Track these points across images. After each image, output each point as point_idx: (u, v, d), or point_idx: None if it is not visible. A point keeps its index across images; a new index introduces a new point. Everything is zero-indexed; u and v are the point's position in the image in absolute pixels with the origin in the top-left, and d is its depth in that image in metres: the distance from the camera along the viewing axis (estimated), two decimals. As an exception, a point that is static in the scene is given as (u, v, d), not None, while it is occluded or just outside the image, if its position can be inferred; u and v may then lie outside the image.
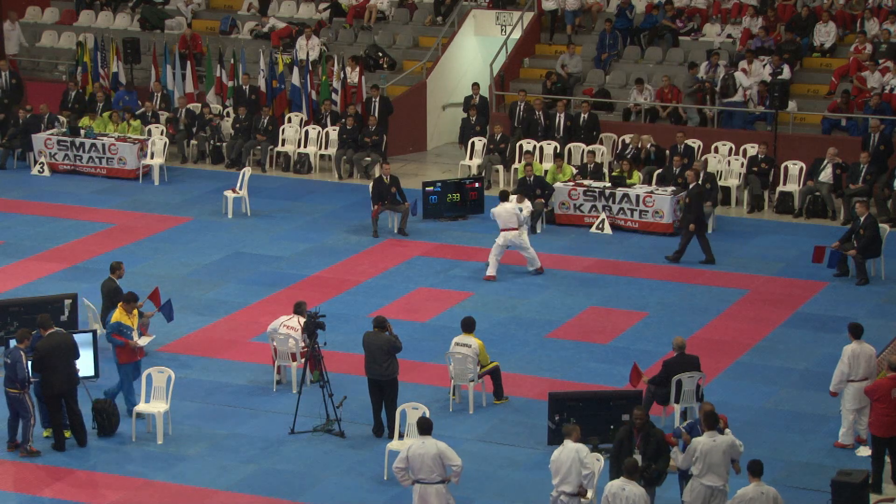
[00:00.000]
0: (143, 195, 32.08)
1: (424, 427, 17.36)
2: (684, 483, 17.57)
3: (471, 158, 33.42)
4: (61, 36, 39.94)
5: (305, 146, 34.29)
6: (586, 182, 29.86)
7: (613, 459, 17.38)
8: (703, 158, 31.25)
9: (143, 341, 21.22)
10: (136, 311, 21.11)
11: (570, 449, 16.94)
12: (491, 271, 26.54)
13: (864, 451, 19.36)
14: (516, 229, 26.46)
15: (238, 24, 39.18)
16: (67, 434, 19.99)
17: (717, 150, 31.88)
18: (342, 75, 34.73)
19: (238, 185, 30.70)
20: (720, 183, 30.65)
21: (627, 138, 32.08)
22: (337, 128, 33.90)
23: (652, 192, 29.27)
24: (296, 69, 34.95)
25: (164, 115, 35.20)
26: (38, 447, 19.81)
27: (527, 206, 27.44)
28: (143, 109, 35.02)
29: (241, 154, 33.98)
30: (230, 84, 35.68)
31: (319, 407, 20.41)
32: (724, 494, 17.06)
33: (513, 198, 27.40)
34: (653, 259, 27.74)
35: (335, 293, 25.90)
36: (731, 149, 31.94)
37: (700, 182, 28.04)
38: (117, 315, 20.81)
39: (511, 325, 24.41)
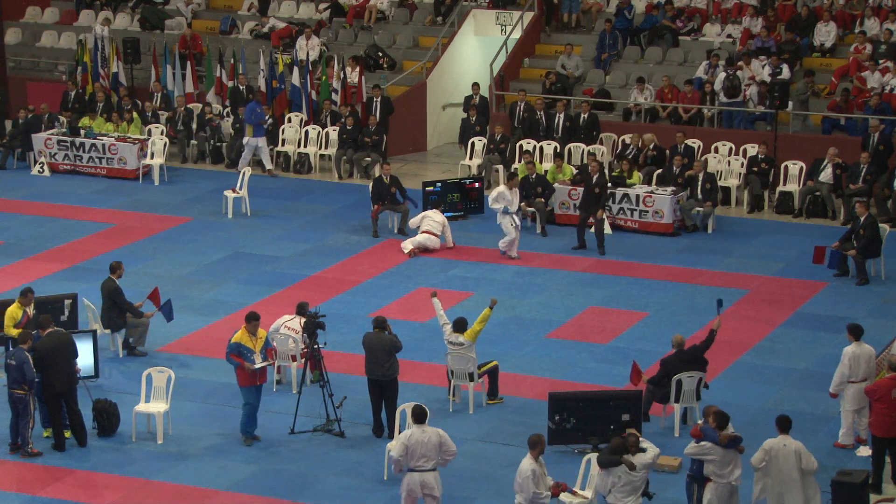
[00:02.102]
0: (143, 195, 32.08)
1: (421, 415, 17.50)
2: (694, 485, 17.50)
3: (471, 158, 33.43)
4: (61, 36, 39.95)
5: (305, 146, 34.29)
6: (586, 182, 29.90)
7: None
8: (703, 158, 31.27)
9: (262, 365, 19.91)
10: (261, 333, 20.01)
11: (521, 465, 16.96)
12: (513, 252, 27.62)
13: (864, 451, 19.35)
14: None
15: (238, 24, 39.20)
16: (67, 434, 19.99)
17: (717, 150, 31.89)
18: (342, 75, 34.74)
19: (238, 185, 30.70)
20: (720, 183, 30.67)
21: (627, 138, 32.09)
22: (337, 128, 33.91)
23: (652, 192, 29.28)
24: (296, 69, 34.95)
25: (164, 115, 35.24)
26: (39, 447, 19.81)
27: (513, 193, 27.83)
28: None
29: (241, 154, 33.96)
30: (230, 84, 35.70)
31: (319, 407, 20.41)
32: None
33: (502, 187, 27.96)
34: (653, 259, 27.75)
35: (335, 293, 25.90)
36: (731, 149, 31.95)
37: (603, 174, 28.73)
38: (238, 335, 19.81)
39: (511, 325, 24.41)
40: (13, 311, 20.91)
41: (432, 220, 28.24)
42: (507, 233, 27.56)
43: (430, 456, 17.27)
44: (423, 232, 28.18)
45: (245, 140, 33.20)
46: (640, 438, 17.14)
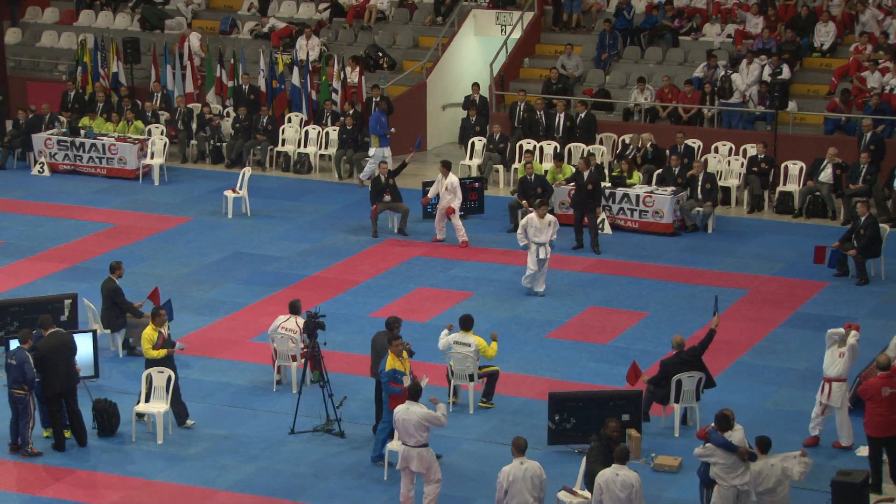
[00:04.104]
0: (143, 195, 32.10)
1: (415, 393, 17.98)
2: (703, 489, 17.51)
3: (471, 158, 33.43)
4: (61, 36, 39.96)
5: (305, 146, 34.30)
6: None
7: (587, 469, 17.30)
8: (703, 158, 31.29)
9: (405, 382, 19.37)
10: (405, 354, 19.30)
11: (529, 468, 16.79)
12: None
13: (864, 451, 19.34)
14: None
15: (238, 24, 39.21)
16: (67, 434, 20.00)
17: (717, 150, 31.90)
18: (342, 75, 34.75)
19: (238, 185, 30.71)
20: (720, 183, 30.68)
21: (627, 138, 32.10)
22: (337, 128, 33.91)
23: (652, 192, 29.29)
24: (296, 69, 34.97)
25: (164, 115, 35.24)
26: (39, 447, 19.82)
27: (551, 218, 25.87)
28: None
29: (241, 154, 33.99)
30: (230, 84, 35.70)
31: (319, 407, 20.41)
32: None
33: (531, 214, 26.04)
34: (653, 259, 27.76)
35: (335, 293, 25.91)
36: (731, 149, 31.96)
37: (595, 171, 28.54)
38: (390, 362, 19.03)
39: (511, 325, 24.40)
40: (149, 334, 20.47)
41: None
42: (528, 265, 25.76)
43: (413, 434, 17.74)
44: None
45: (371, 151, 32.16)
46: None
